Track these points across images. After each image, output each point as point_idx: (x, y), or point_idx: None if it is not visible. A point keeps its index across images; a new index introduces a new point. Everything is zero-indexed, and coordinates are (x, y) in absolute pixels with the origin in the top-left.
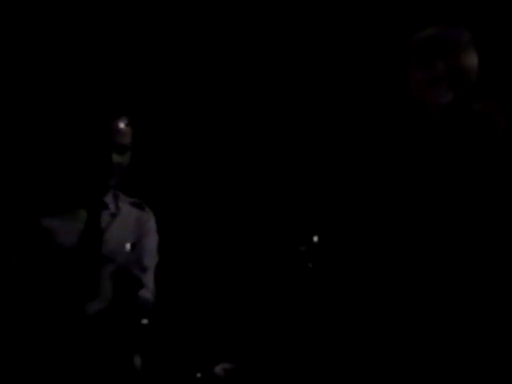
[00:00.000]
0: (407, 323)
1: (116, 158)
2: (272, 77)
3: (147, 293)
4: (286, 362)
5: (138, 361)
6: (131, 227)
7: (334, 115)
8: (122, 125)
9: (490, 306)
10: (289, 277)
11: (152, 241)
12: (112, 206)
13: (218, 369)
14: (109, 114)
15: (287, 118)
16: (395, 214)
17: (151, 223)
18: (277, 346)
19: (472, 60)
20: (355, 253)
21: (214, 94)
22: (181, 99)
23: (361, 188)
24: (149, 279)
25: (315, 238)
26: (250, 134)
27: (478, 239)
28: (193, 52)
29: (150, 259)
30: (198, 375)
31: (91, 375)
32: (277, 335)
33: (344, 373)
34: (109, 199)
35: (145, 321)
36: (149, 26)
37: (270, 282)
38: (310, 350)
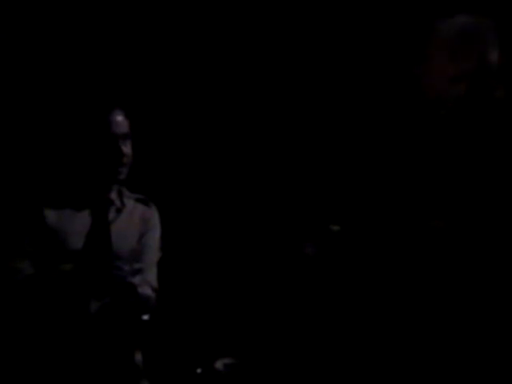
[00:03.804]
0: (409, 321)
1: (122, 148)
2: (271, 71)
3: (148, 289)
4: (286, 357)
5: (139, 356)
6: (136, 222)
7: (340, 111)
8: (118, 115)
9: (490, 305)
10: (290, 272)
11: (155, 237)
12: (117, 202)
13: (219, 364)
14: (106, 107)
15: (296, 108)
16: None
17: (155, 219)
18: (277, 341)
19: (497, 55)
20: (361, 247)
21: (217, 90)
22: (185, 96)
23: (372, 181)
24: (151, 275)
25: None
26: (253, 127)
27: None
28: (193, 48)
29: (153, 255)
30: (199, 370)
31: (93, 371)
32: (277, 330)
33: (344, 368)
34: (114, 195)
35: (146, 317)
36: (145, 24)
37: (272, 277)
38: (310, 344)
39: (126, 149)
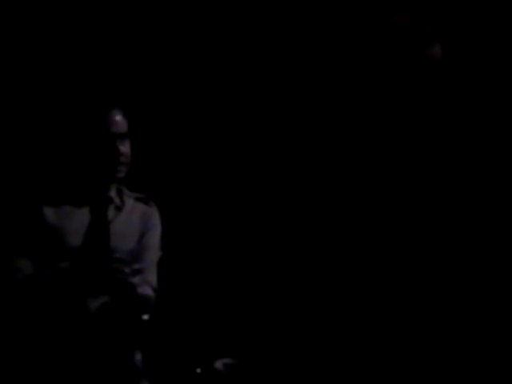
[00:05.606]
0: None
1: (120, 147)
2: (271, 71)
3: (148, 289)
4: (285, 358)
5: (138, 356)
6: (136, 221)
7: (332, 112)
8: (117, 114)
9: (489, 305)
10: (287, 273)
11: (155, 236)
12: (117, 200)
13: (219, 364)
14: (104, 107)
15: (289, 107)
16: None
17: (155, 218)
18: (277, 341)
19: (438, 51)
20: (356, 247)
21: (217, 90)
22: (184, 95)
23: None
24: (151, 275)
25: None
26: (253, 127)
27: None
28: (193, 48)
29: (153, 254)
30: (198, 370)
31: (93, 371)
32: (277, 330)
33: (344, 368)
34: (113, 194)
35: (146, 316)
36: (144, 24)
37: (271, 278)
38: (310, 345)
39: (124, 148)
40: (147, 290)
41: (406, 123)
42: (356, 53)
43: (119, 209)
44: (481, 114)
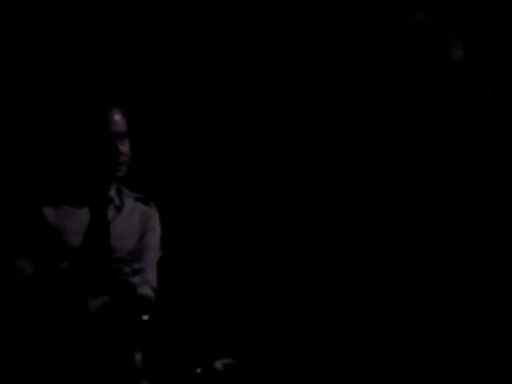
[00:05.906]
0: (405, 319)
1: (119, 147)
2: (271, 71)
3: (148, 289)
4: (285, 357)
5: (138, 356)
6: (136, 221)
7: (328, 113)
8: (116, 114)
9: (490, 305)
10: (287, 274)
11: (155, 236)
12: (117, 200)
13: (219, 364)
14: (103, 106)
15: (288, 109)
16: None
17: (155, 218)
18: (277, 341)
19: (460, 53)
20: (353, 246)
21: (217, 89)
22: (184, 95)
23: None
24: (151, 275)
25: None
26: (253, 127)
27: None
28: (192, 48)
29: (153, 254)
30: (199, 370)
31: (92, 371)
32: (277, 330)
33: (344, 367)
34: (113, 193)
35: (145, 317)
36: (144, 24)
37: (270, 278)
38: (309, 345)
39: (124, 147)
40: (147, 290)
41: (424, 128)
42: (374, 53)
43: (119, 209)
44: (504, 122)
